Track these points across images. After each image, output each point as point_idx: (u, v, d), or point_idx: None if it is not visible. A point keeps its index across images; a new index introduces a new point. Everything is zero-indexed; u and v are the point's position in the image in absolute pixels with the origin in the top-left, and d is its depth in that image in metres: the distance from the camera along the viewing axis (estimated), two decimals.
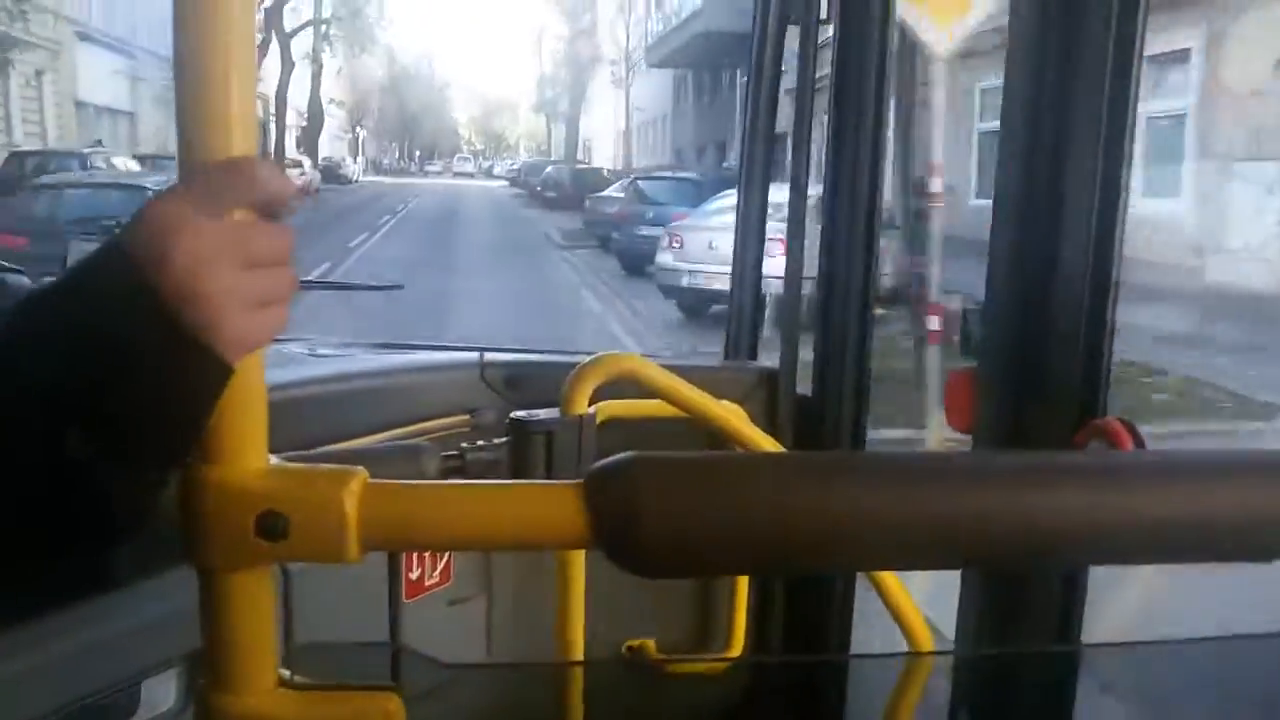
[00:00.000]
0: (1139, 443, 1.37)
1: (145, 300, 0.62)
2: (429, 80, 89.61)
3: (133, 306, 0.62)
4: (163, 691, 1.26)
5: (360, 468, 0.68)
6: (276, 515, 0.65)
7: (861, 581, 1.90)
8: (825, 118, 2.10)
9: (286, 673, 0.70)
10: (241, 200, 0.65)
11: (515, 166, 58.06)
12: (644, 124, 49.38)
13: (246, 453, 0.67)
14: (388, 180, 55.71)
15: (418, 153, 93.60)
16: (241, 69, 0.65)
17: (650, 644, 1.89)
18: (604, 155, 56.70)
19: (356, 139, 68.98)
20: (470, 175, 78.29)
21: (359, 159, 65.41)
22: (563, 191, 31.42)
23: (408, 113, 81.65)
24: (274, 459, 0.69)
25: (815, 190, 2.16)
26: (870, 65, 2.03)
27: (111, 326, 0.62)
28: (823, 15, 2.08)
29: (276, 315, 0.67)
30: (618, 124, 52.65)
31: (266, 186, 0.66)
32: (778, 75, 2.27)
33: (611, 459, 0.68)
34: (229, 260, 0.64)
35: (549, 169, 37.92)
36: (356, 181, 49.29)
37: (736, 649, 1.97)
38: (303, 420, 1.54)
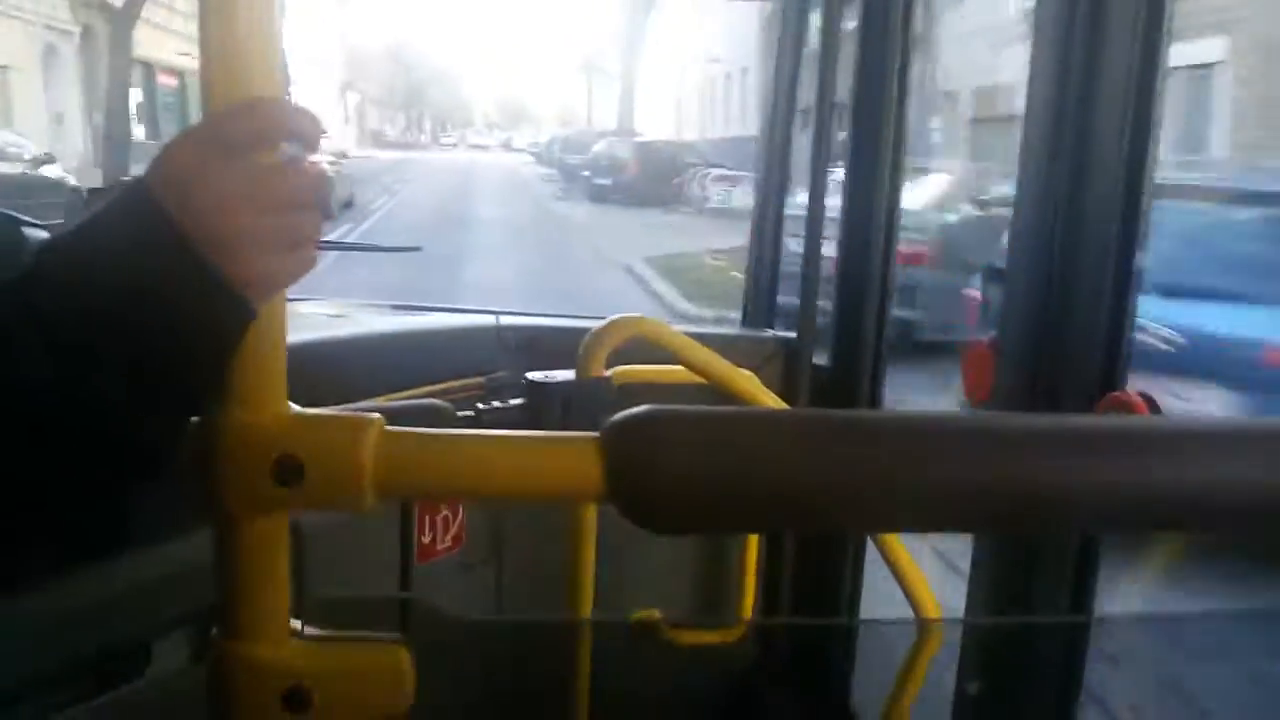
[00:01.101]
0: (1157, 414, 1.37)
1: (167, 242, 0.62)
2: (437, 43, 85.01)
3: (155, 248, 0.62)
4: (172, 650, 1.27)
5: (377, 415, 0.67)
6: (294, 460, 0.64)
7: (870, 557, 1.90)
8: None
9: (299, 623, 0.70)
10: (266, 141, 0.64)
11: (540, 141, 47.79)
12: (713, 80, 35.66)
13: (266, 398, 0.67)
14: (384, 156, 44.02)
15: (428, 124, 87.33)
16: (266, 7, 0.64)
17: (657, 615, 1.90)
18: (651, 124, 40.40)
19: (346, 106, 57.26)
20: (485, 148, 71.70)
21: (349, 128, 56.48)
22: (628, 177, 22.44)
23: (415, 79, 75.88)
24: (295, 407, 0.69)
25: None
26: (894, 38, 2.01)
27: (133, 268, 0.62)
28: None
29: (302, 257, 0.66)
30: (675, 81, 40.26)
31: (292, 127, 0.65)
32: (800, 50, 2.26)
33: (629, 412, 0.67)
34: (252, 202, 0.63)
35: (600, 144, 25.62)
36: (339, 160, 40.69)
37: (746, 614, 1.97)
38: (320, 380, 1.53)
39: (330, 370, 1.68)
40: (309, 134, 0.66)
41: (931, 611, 1.50)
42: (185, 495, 0.68)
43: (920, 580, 1.52)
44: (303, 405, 0.69)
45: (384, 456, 0.66)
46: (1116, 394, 1.42)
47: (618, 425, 0.67)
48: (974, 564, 1.49)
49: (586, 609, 1.53)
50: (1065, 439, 0.71)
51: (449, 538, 1.76)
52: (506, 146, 69.37)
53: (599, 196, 22.64)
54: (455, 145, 75.52)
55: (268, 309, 0.66)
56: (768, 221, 2.31)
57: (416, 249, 4.29)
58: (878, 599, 1.91)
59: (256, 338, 0.66)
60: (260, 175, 0.64)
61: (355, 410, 0.68)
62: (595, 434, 0.67)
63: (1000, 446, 0.69)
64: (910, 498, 0.68)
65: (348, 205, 23.74)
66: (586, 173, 24.70)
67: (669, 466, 0.66)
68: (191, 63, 0.73)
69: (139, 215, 0.63)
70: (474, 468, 0.68)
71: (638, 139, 26.84)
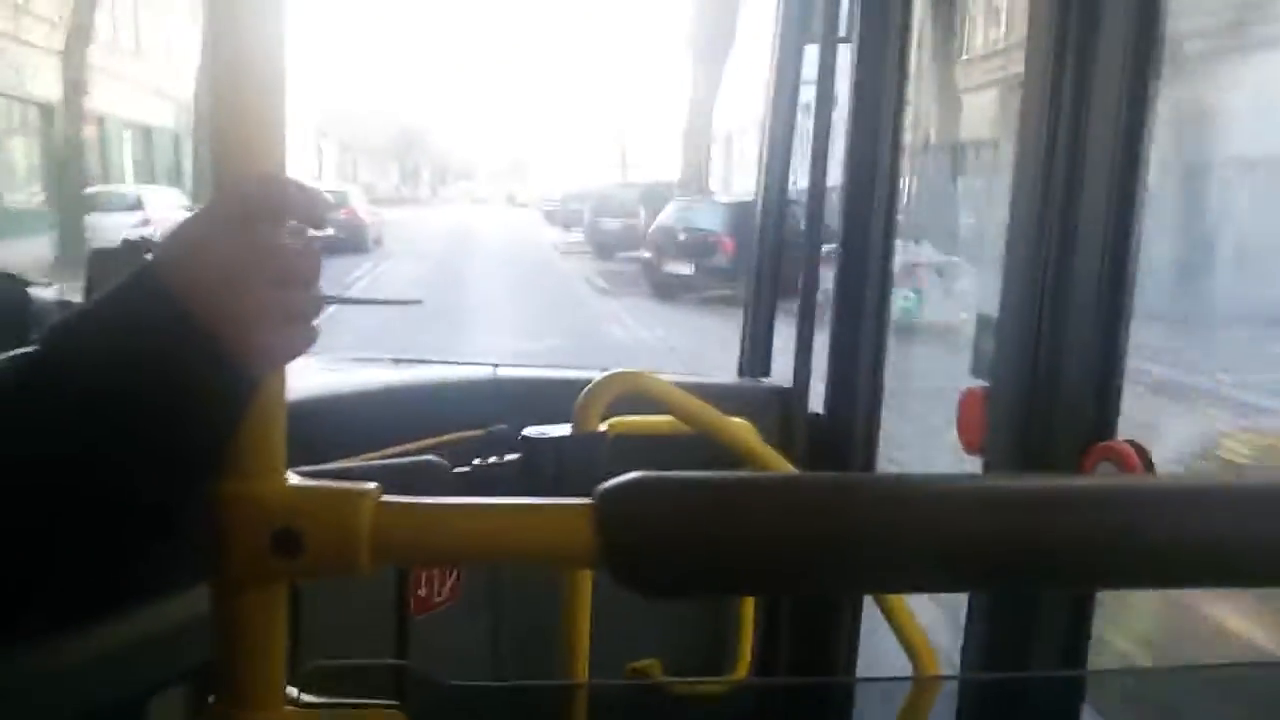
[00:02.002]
0: (1148, 465, 1.38)
1: (177, 319, 0.64)
2: (434, 86, 77.58)
3: (161, 325, 0.64)
4: (168, 709, 1.27)
5: (374, 484, 0.69)
6: (293, 532, 0.66)
7: (868, 604, 1.90)
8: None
9: (294, 691, 0.71)
10: (273, 219, 0.67)
11: (554, 197, 38.16)
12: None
13: (266, 469, 0.68)
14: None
15: (426, 175, 79.63)
16: (274, 87, 0.67)
17: (656, 664, 1.89)
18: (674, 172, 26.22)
19: (322, 157, 50.63)
20: (485, 201, 66.05)
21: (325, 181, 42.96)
22: (719, 260, 14.04)
23: (410, 127, 69.82)
24: (292, 475, 0.70)
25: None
26: (888, 82, 2.04)
27: (141, 345, 0.64)
28: (842, 33, 2.09)
29: (304, 332, 0.69)
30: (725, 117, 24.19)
31: (298, 205, 0.67)
32: (796, 93, 2.29)
33: (619, 479, 0.69)
34: (259, 278, 0.65)
35: (670, 209, 16.32)
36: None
37: (743, 670, 1.97)
38: (320, 433, 1.55)
39: (332, 425, 1.69)
40: (312, 211, 0.68)
41: (930, 665, 1.50)
42: (195, 558, 0.69)
43: (919, 635, 1.52)
44: (302, 459, 0.71)
45: (380, 525, 0.67)
46: (1107, 443, 1.43)
47: (609, 491, 0.68)
48: (969, 620, 1.49)
49: (583, 665, 1.53)
50: (1060, 500, 0.72)
51: (445, 589, 1.77)
52: (510, 201, 62.28)
53: (668, 290, 14.56)
54: (454, 200, 69.24)
55: (269, 382, 0.68)
56: (765, 271, 2.33)
57: (418, 302, 4.32)
58: (879, 649, 1.91)
59: (258, 410, 0.68)
60: (268, 252, 0.66)
61: (355, 465, 0.70)
62: (587, 500, 0.68)
63: (991, 508, 0.71)
64: (903, 560, 0.70)
65: (377, 242, 24.69)
66: (646, 254, 16.14)
67: (660, 532, 0.67)
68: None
69: (147, 292, 0.65)
70: (467, 534, 0.70)
71: (726, 200, 16.85)
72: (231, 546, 0.67)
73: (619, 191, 24.22)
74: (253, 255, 0.65)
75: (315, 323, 0.69)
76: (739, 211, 13.98)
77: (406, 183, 72.89)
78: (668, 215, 16.20)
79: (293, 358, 0.68)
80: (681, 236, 15.17)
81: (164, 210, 18.50)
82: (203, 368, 0.64)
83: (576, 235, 25.78)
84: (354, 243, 21.92)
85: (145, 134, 26.82)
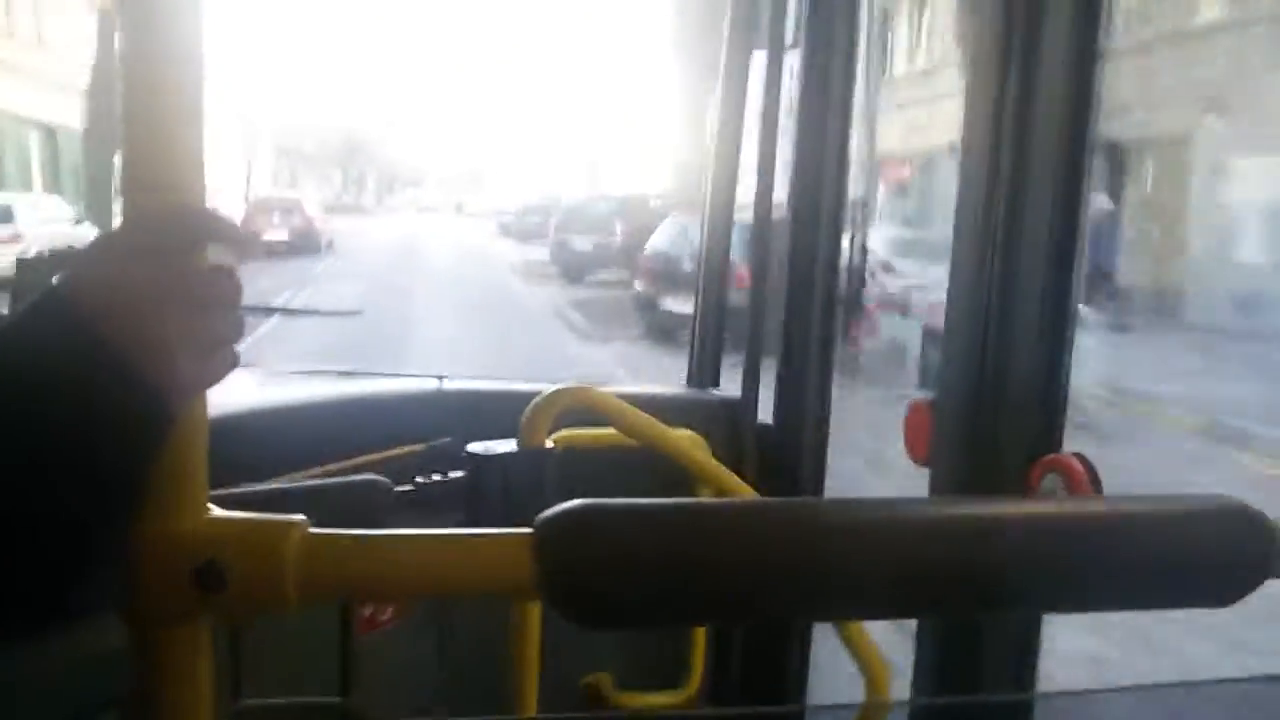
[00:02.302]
0: (1094, 478, 1.38)
1: (86, 346, 0.61)
2: (381, 88, 72.44)
3: (73, 353, 0.61)
4: None
5: (300, 516, 0.66)
6: (215, 567, 0.63)
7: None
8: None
9: None
10: (189, 245, 0.64)
11: (507, 209, 35.97)
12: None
13: (187, 501, 0.66)
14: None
15: (371, 183, 73.27)
16: (189, 111, 0.64)
17: (607, 679, 1.87)
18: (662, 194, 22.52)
19: (250, 164, 39.30)
20: (434, 210, 61.78)
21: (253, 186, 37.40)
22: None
23: (354, 132, 64.40)
24: (215, 510, 0.67)
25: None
26: (835, 89, 2.04)
27: (51, 373, 0.61)
28: (789, 41, 2.09)
29: (223, 359, 0.66)
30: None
31: (215, 232, 0.65)
32: (743, 101, 2.28)
33: (559, 508, 0.67)
34: (176, 304, 0.63)
35: (681, 229, 12.15)
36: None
37: (694, 686, 1.96)
38: (260, 449, 1.53)
39: (270, 438, 1.66)
40: (231, 239, 0.66)
41: (883, 687, 1.49)
42: (111, 593, 0.66)
43: (875, 656, 1.51)
44: (242, 477, 0.68)
45: (309, 558, 0.65)
46: (1054, 456, 1.44)
47: (549, 522, 0.66)
48: (918, 643, 1.49)
49: (533, 687, 1.51)
50: (1003, 525, 0.72)
51: (390, 609, 1.74)
52: (459, 211, 57.05)
53: (667, 332, 11.40)
54: (400, 209, 63.32)
55: (188, 414, 0.65)
56: (712, 281, 2.32)
57: (358, 312, 4.27)
58: (833, 658, 1.91)
59: (177, 439, 0.65)
60: (185, 277, 0.64)
61: (292, 485, 0.67)
62: (527, 531, 0.66)
63: (938, 535, 0.70)
64: (850, 588, 0.69)
65: (329, 245, 24.40)
66: (637, 286, 13.25)
67: (600, 565, 0.66)
68: None
69: (56, 319, 0.62)
70: (401, 568, 0.67)
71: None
72: (151, 582, 0.64)
73: (590, 205, 21.40)
74: (169, 280, 0.63)
75: (237, 347, 0.67)
76: (753, 232, 8.80)
77: (349, 190, 66.67)
78: (663, 236, 13.31)
79: (213, 384, 0.66)
80: (687, 265, 10.40)
81: (39, 224, 15.60)
82: (116, 396, 0.61)
83: (538, 252, 22.55)
84: (307, 246, 22.23)
85: (49, 134, 23.01)
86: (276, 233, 21.95)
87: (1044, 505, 0.91)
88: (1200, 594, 0.73)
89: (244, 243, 0.66)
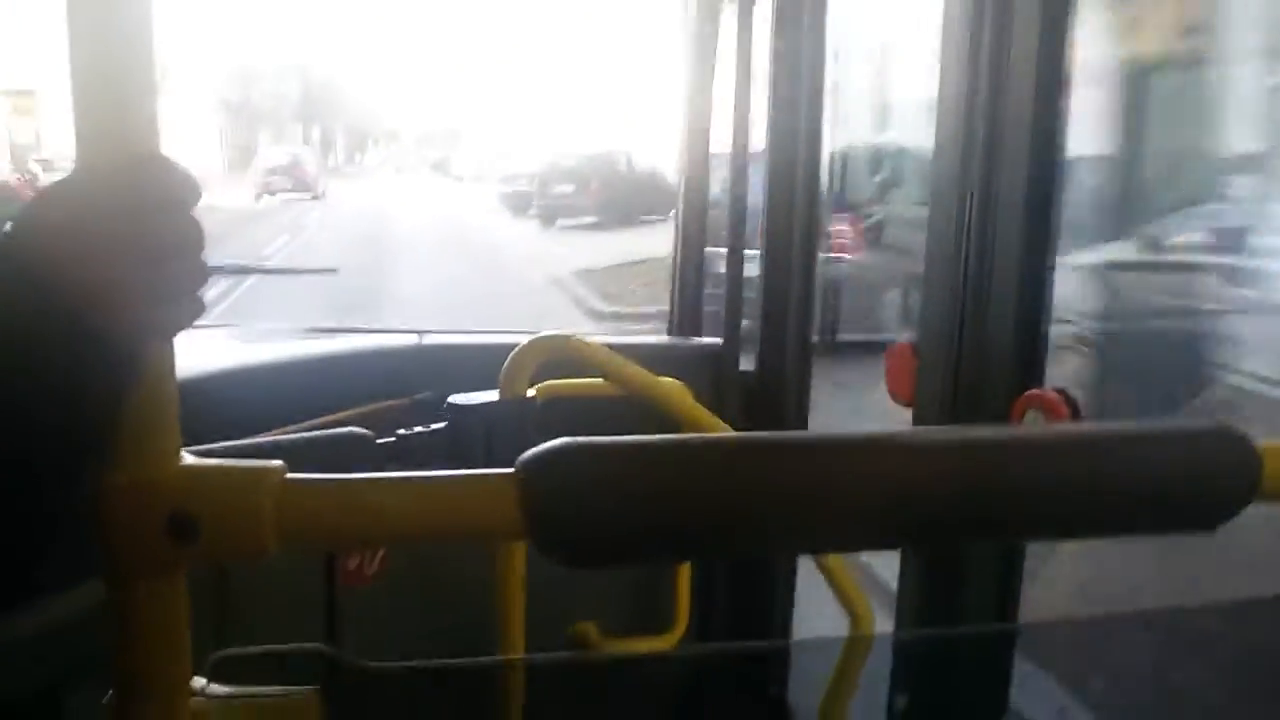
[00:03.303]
0: (1075, 412, 1.39)
1: (42, 294, 0.60)
2: (343, 34, 62.22)
3: (29, 302, 0.60)
4: (82, 699, 1.22)
5: (277, 462, 0.65)
6: (188, 517, 0.62)
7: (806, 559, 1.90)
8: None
9: (202, 681, 0.67)
10: (145, 192, 0.63)
11: (518, 173, 23.51)
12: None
13: (158, 451, 0.65)
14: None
15: (339, 143, 64.24)
16: (140, 59, 0.62)
17: (592, 627, 1.88)
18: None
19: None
20: (410, 170, 52.49)
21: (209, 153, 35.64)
22: None
23: (316, 85, 55.78)
24: (189, 459, 0.66)
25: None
26: (809, 41, 2.02)
27: (6, 323, 0.60)
28: None
29: (187, 306, 0.65)
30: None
31: (169, 181, 0.63)
32: (715, 50, 2.26)
33: (543, 447, 0.66)
34: (132, 251, 0.61)
35: None
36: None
37: (680, 629, 1.97)
38: (239, 408, 1.52)
39: (251, 397, 1.64)
40: (184, 187, 0.64)
41: (866, 622, 1.50)
42: (85, 550, 0.65)
43: (856, 593, 1.52)
44: (220, 436, 0.67)
45: (285, 506, 0.64)
46: (1034, 392, 1.44)
47: (532, 460, 0.65)
48: (901, 578, 1.50)
49: (519, 632, 1.51)
50: (984, 451, 0.71)
51: (376, 560, 1.74)
52: (440, 170, 47.01)
53: None
54: (372, 171, 54.38)
55: (155, 360, 0.64)
56: (692, 229, 2.31)
57: (333, 270, 4.24)
58: (820, 598, 1.92)
59: (146, 389, 0.64)
60: (141, 224, 0.62)
61: (269, 442, 0.66)
62: (510, 470, 0.65)
63: (918, 463, 0.70)
64: (834, 519, 0.68)
65: (324, 193, 27.32)
66: None
67: (585, 501, 0.65)
68: None
69: (8, 266, 0.61)
70: (382, 514, 0.66)
71: None
72: (123, 534, 0.63)
73: (565, 160, 20.28)
74: (123, 228, 0.61)
75: (200, 294, 0.65)
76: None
77: (312, 148, 55.55)
78: None
79: (177, 332, 0.64)
80: None
81: None
82: (74, 344, 0.60)
83: (595, 253, 13.59)
84: (309, 190, 28.21)
85: None
86: (282, 183, 28.55)
87: (1027, 431, 0.91)
88: (1186, 518, 0.73)
89: (195, 190, 0.65)
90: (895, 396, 1.69)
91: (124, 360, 0.62)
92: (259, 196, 27.72)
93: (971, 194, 1.54)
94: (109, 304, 0.60)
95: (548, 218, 19.72)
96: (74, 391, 0.61)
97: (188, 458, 0.65)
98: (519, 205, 21.76)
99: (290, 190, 27.95)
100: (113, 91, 0.62)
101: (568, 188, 19.35)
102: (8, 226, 0.62)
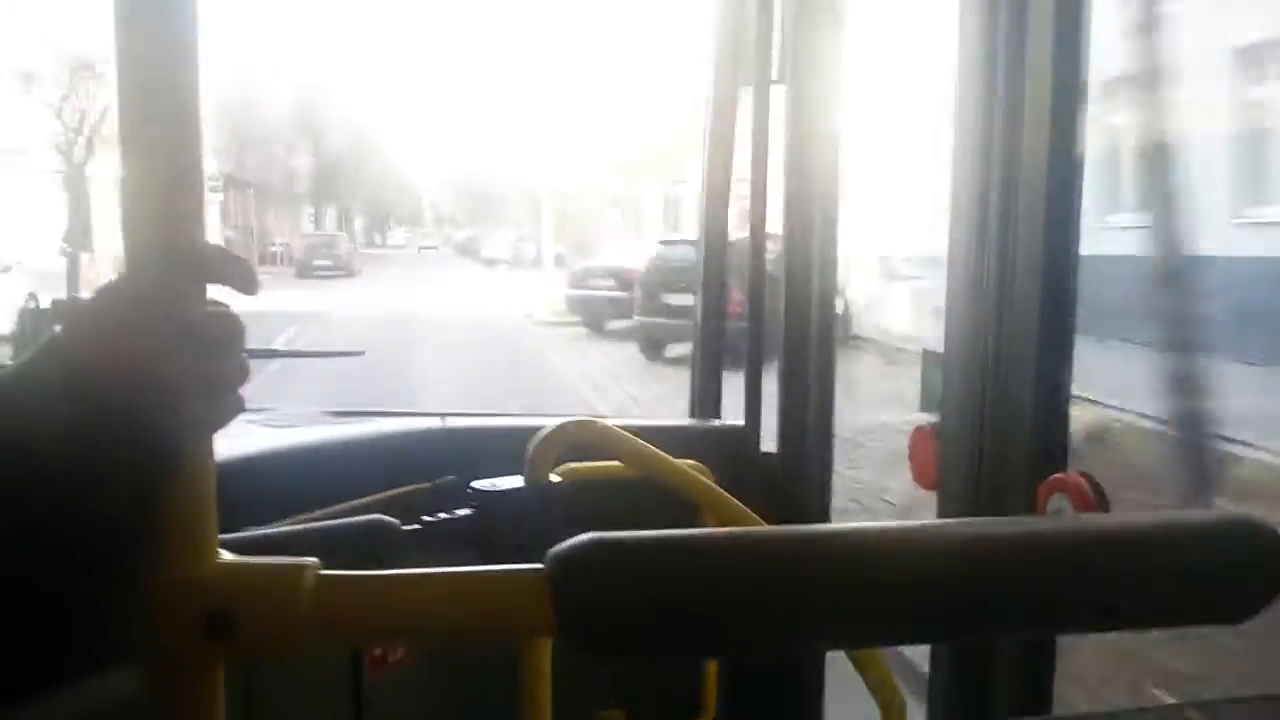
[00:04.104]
0: (1101, 497, 1.38)
1: (89, 392, 0.61)
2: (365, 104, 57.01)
3: (77, 400, 0.61)
4: None
5: (312, 559, 0.66)
6: (225, 615, 0.63)
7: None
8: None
9: None
10: (193, 288, 0.65)
11: (609, 266, 16.01)
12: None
13: (196, 547, 0.66)
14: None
15: (358, 223, 60.17)
16: (188, 155, 0.64)
17: (620, 716, 1.86)
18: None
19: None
20: (434, 248, 51.27)
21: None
22: None
23: (329, 158, 50.97)
24: (225, 554, 0.67)
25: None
26: (823, 123, 2.06)
27: (55, 421, 0.61)
28: (775, 75, 2.11)
29: (231, 402, 0.67)
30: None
31: (222, 271, 0.65)
32: (733, 133, 2.30)
33: (571, 542, 0.67)
34: (181, 349, 0.63)
35: None
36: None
37: (708, 718, 1.94)
38: (264, 493, 1.52)
39: (274, 482, 1.65)
40: (240, 276, 0.66)
41: (899, 712, 1.48)
42: (122, 640, 0.66)
43: (888, 681, 1.50)
44: (246, 521, 0.68)
45: (321, 604, 0.65)
46: (1059, 476, 1.44)
47: (562, 556, 0.66)
48: (932, 668, 1.48)
49: None
50: (1014, 545, 0.72)
51: (401, 651, 1.73)
52: (468, 251, 42.00)
53: None
54: (403, 247, 49.71)
55: (194, 458, 0.65)
56: (710, 312, 2.33)
57: (360, 353, 4.28)
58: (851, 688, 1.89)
59: (184, 486, 0.65)
60: (189, 322, 0.64)
61: (297, 531, 0.67)
62: (539, 566, 0.66)
63: (947, 556, 0.70)
64: (866, 615, 0.68)
65: (359, 271, 30.75)
66: None
67: (615, 598, 0.65)
68: None
69: (60, 367, 0.62)
70: (414, 610, 0.67)
71: None
72: (162, 631, 0.64)
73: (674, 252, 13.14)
74: (171, 328, 0.63)
75: (241, 391, 0.67)
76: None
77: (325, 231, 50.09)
78: None
79: (218, 429, 0.66)
80: None
81: None
82: (121, 443, 0.62)
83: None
84: (347, 271, 31.86)
85: None
86: (322, 261, 31.89)
87: (1053, 524, 0.91)
88: (1212, 611, 0.73)
89: (249, 280, 0.66)
90: (919, 480, 1.69)
91: (166, 456, 0.63)
92: (300, 276, 29.64)
93: (989, 277, 1.56)
94: (155, 403, 0.62)
95: (653, 344, 13.11)
96: (118, 487, 0.62)
97: (224, 554, 0.66)
98: (596, 315, 15.86)
99: (330, 271, 31.16)
100: (160, 190, 0.64)
101: (687, 298, 8.40)
102: (58, 327, 0.64)
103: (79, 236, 19.39)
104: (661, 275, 12.89)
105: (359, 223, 60.05)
